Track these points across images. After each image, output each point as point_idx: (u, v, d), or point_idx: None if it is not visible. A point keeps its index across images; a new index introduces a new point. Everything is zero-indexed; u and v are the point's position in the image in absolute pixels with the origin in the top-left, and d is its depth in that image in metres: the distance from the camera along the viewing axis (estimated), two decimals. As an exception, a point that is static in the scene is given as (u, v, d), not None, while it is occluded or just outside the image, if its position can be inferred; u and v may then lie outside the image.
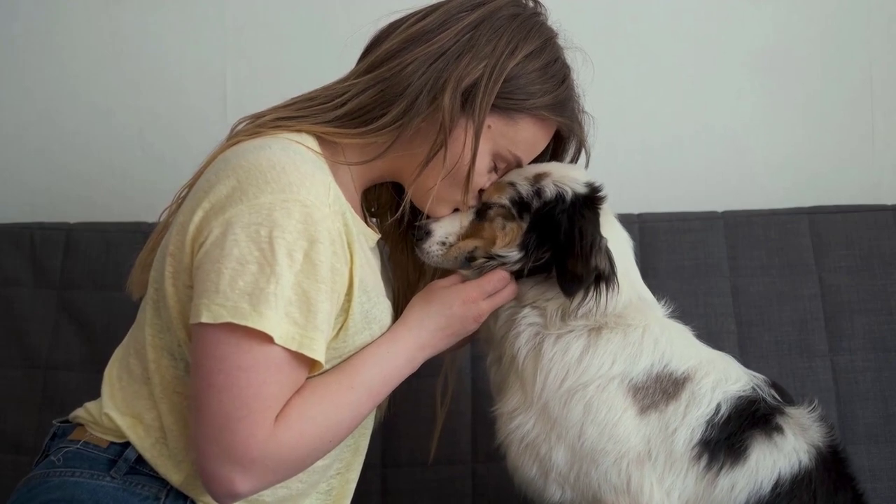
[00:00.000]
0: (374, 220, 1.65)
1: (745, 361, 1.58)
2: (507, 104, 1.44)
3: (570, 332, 1.48)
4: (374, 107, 1.41)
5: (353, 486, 1.57)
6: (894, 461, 1.94)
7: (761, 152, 2.28)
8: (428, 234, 1.52)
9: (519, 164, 1.52)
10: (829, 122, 2.28)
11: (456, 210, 1.54)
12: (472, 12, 1.45)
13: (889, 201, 2.14)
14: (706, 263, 2.07)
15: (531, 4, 1.51)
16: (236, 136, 1.43)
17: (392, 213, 1.60)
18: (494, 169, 1.52)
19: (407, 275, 1.66)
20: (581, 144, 1.60)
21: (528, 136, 1.48)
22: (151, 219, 2.10)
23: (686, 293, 2.00)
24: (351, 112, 1.42)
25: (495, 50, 1.42)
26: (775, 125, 2.28)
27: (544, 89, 1.46)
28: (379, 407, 1.61)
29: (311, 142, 1.41)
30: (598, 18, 2.24)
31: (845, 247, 2.06)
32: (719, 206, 2.15)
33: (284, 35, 2.29)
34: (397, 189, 1.59)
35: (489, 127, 1.45)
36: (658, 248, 2.06)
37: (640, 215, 2.10)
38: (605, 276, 1.44)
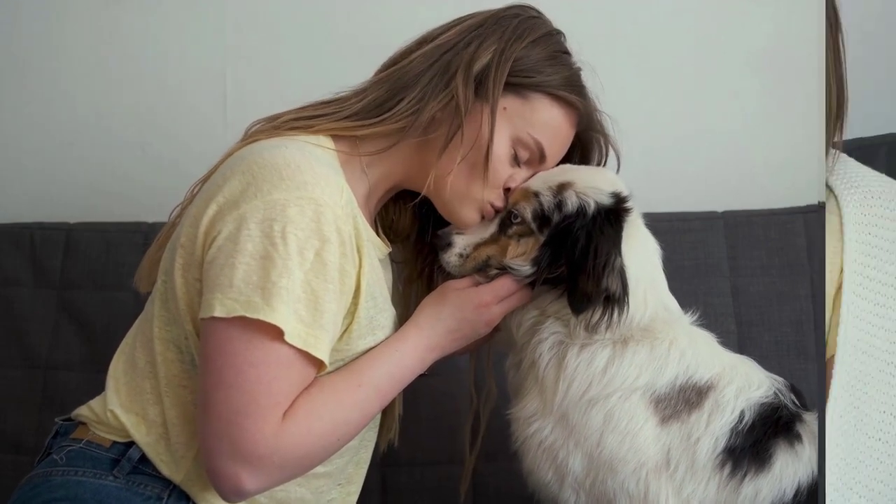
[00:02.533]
0: (391, 242, 1.63)
1: (746, 362, 1.58)
2: (519, 81, 1.44)
3: (595, 342, 1.46)
4: (389, 97, 1.44)
5: (355, 499, 1.57)
6: (894, 461, 1.95)
7: (761, 152, 2.27)
8: (449, 245, 1.52)
9: (542, 153, 1.49)
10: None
11: (483, 219, 1.52)
12: (477, 16, 1.50)
13: (889, 201, 2.14)
14: (706, 263, 2.07)
15: (534, 13, 1.53)
16: (253, 135, 1.44)
17: (411, 237, 1.63)
18: (516, 159, 1.49)
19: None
20: (606, 141, 1.59)
21: (545, 117, 1.47)
22: (151, 219, 2.12)
23: (686, 293, 1.96)
24: (367, 106, 1.45)
25: (502, 37, 1.45)
26: (775, 125, 2.27)
27: (554, 70, 1.47)
28: (388, 429, 1.62)
29: (328, 142, 1.43)
30: (598, 19, 2.23)
31: (845, 247, 2.06)
32: (719, 206, 2.15)
33: (284, 35, 2.29)
34: (419, 213, 1.60)
35: (504, 109, 1.45)
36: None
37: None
38: (615, 299, 1.41)
